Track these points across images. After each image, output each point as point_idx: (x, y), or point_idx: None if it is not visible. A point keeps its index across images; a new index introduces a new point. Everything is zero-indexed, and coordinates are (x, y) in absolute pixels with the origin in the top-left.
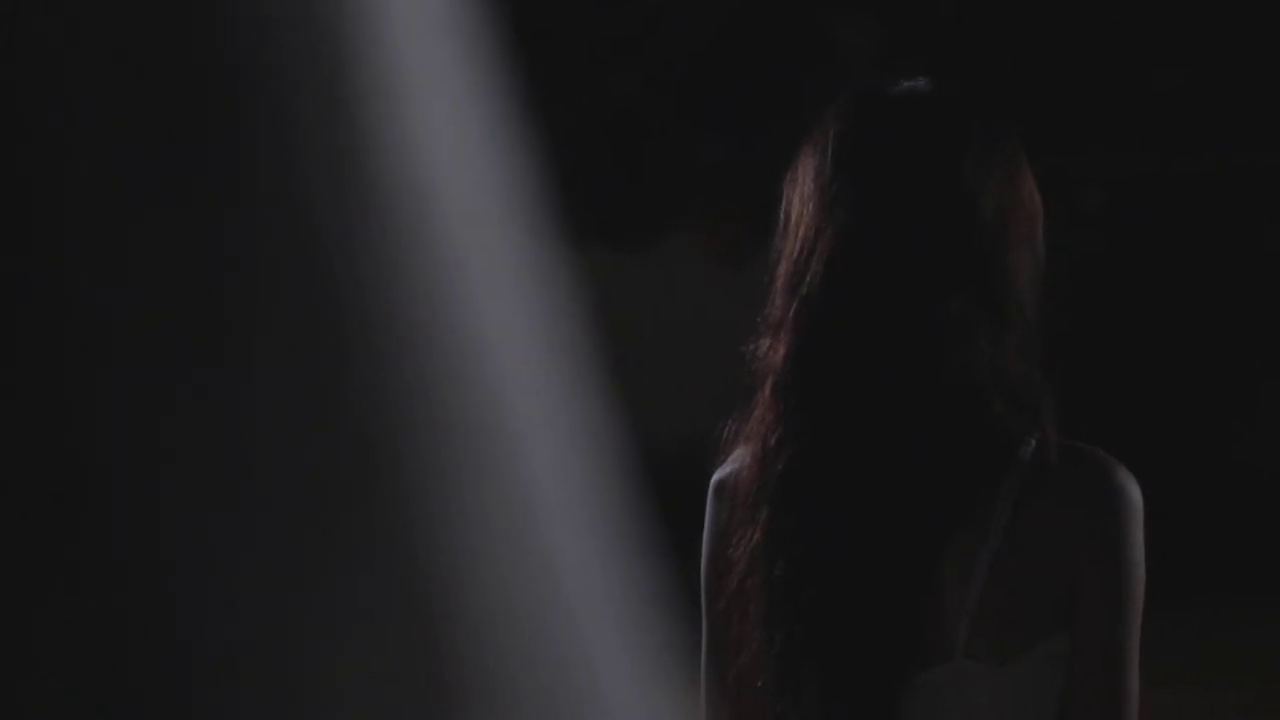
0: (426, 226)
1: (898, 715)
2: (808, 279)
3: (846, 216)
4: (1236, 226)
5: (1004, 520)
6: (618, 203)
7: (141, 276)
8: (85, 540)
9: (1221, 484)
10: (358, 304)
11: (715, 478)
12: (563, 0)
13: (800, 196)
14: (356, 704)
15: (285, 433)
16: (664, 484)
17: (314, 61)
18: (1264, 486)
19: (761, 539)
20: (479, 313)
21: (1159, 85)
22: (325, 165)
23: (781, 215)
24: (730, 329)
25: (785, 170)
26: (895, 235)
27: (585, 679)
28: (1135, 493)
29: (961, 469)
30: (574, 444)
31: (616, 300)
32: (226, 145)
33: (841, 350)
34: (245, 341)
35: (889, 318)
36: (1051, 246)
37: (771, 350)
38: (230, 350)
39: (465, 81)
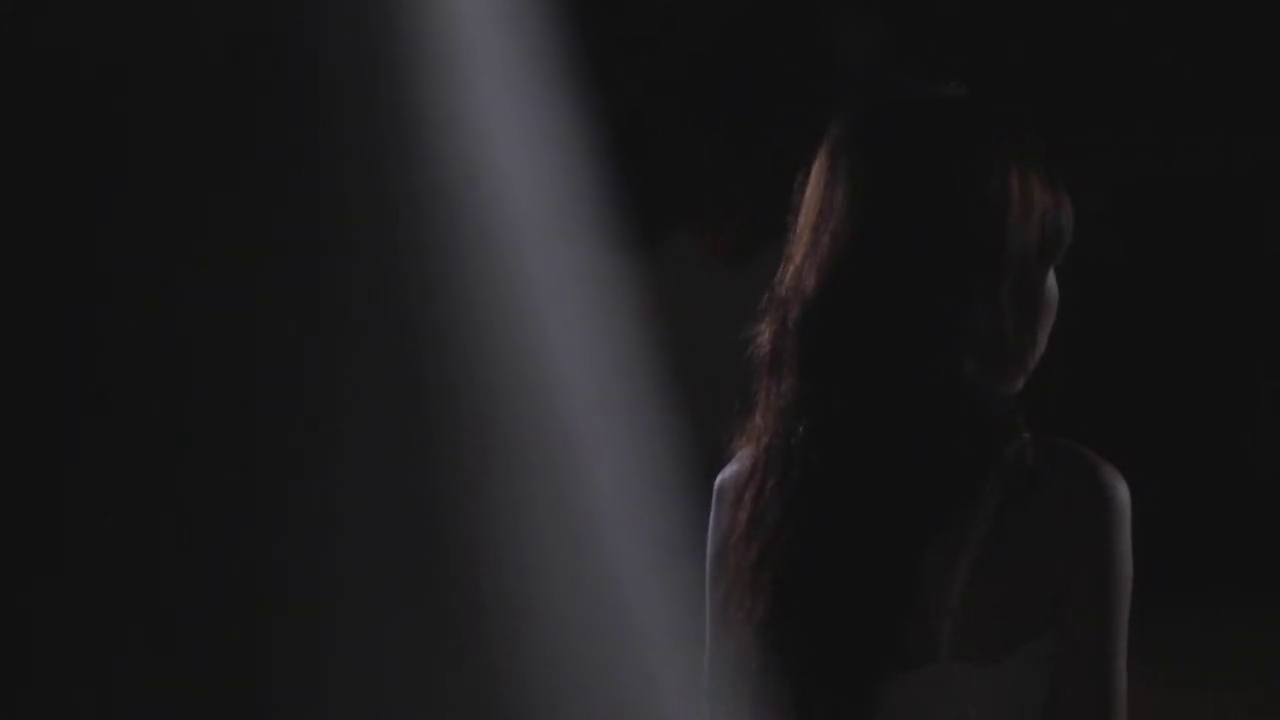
0: (493, 231)
1: (873, 712)
2: (801, 281)
3: (838, 221)
4: (1241, 226)
5: (987, 521)
6: (622, 202)
7: (217, 277)
8: (166, 546)
9: (1224, 484)
10: (427, 308)
11: (719, 479)
12: (564, 5)
13: (805, 201)
14: (418, 706)
15: (355, 436)
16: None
17: (387, 57)
18: (1266, 487)
19: (755, 538)
20: (543, 316)
21: (1164, 84)
22: (400, 165)
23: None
24: (733, 327)
25: (788, 169)
26: (881, 240)
27: (644, 684)
28: (1121, 492)
29: (944, 470)
30: (633, 446)
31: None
32: (300, 147)
33: (829, 352)
34: (323, 347)
35: (875, 321)
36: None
37: (769, 350)
38: (310, 355)
39: (528, 82)
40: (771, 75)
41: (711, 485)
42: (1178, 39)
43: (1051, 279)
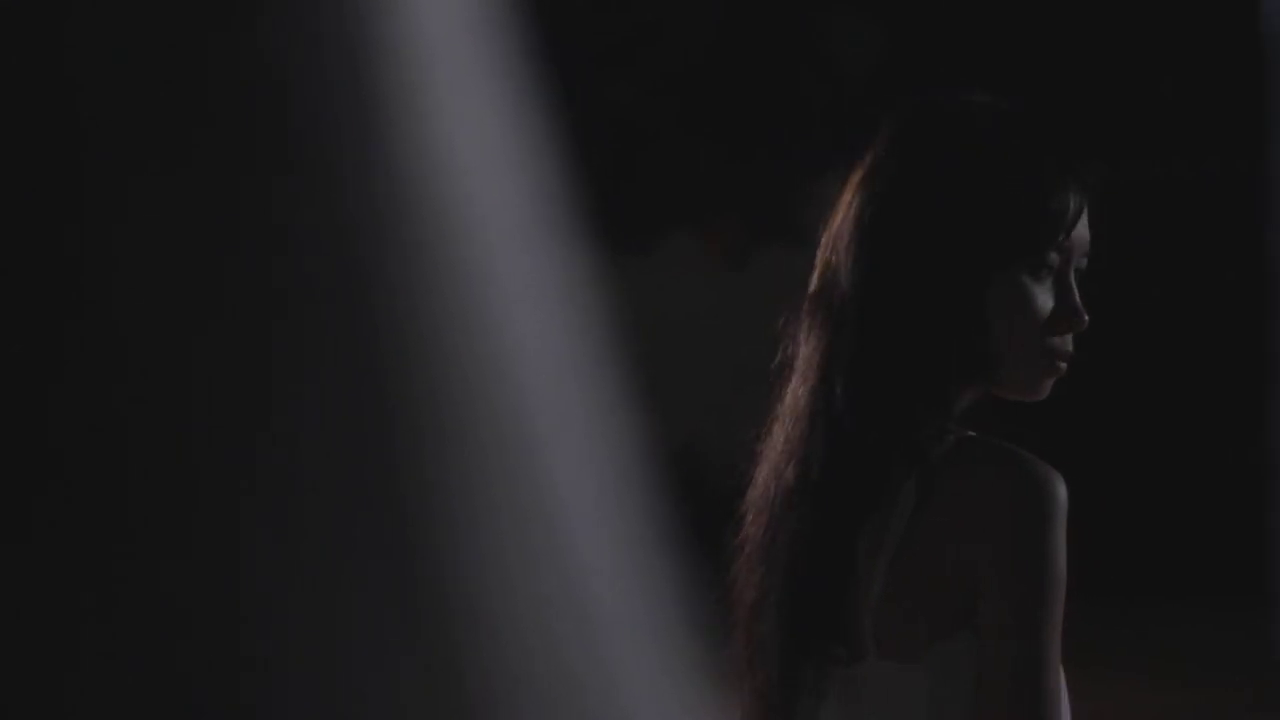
0: (456, 231)
1: (818, 708)
2: (812, 284)
3: (835, 227)
4: (1224, 231)
5: (903, 522)
6: (616, 207)
7: (180, 277)
8: (131, 541)
9: (1216, 486)
10: (390, 308)
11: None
12: (559, 8)
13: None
14: (380, 708)
15: (318, 436)
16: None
17: (349, 66)
18: (1259, 489)
19: (740, 531)
20: (506, 317)
21: (1162, 92)
22: (359, 169)
23: None
24: (730, 328)
25: (786, 172)
26: (848, 247)
27: (606, 686)
28: (1043, 490)
29: (866, 472)
30: (597, 449)
31: (616, 303)
32: (262, 150)
33: (805, 354)
34: (287, 348)
35: (833, 322)
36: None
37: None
38: (274, 356)
39: (495, 85)
40: (767, 78)
41: (692, 486)
42: (1169, 47)
43: (1024, 283)
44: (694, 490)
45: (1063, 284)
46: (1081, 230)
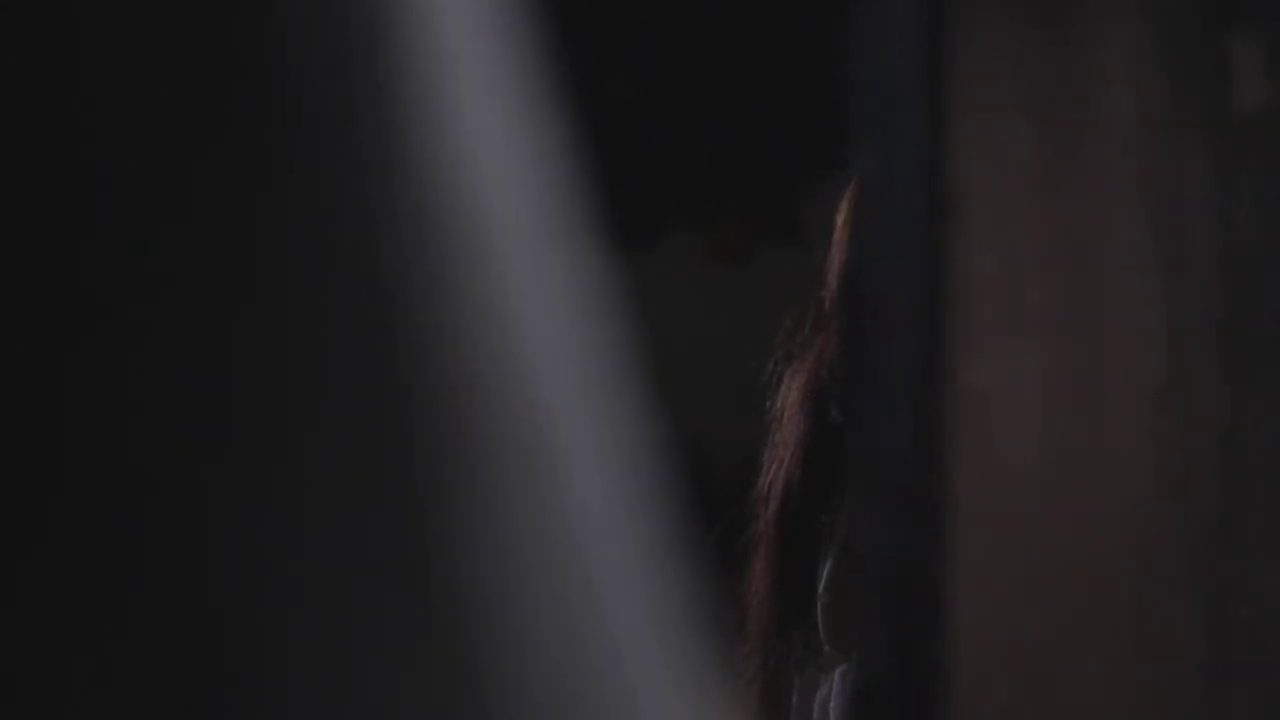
0: (472, 231)
1: (790, 695)
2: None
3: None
4: None
5: (844, 515)
6: (618, 205)
7: (195, 277)
8: (146, 536)
9: None
10: (406, 307)
11: None
12: (560, 8)
13: None
14: (395, 709)
15: (333, 437)
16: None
17: (364, 65)
18: None
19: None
20: (520, 316)
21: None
22: (373, 169)
23: None
24: (731, 327)
25: (788, 170)
26: (834, 245)
27: (620, 683)
28: None
29: (834, 469)
30: (607, 446)
31: (619, 300)
32: (271, 151)
33: (803, 352)
34: (300, 347)
35: (825, 322)
36: None
37: None
38: (288, 355)
39: (507, 85)
40: (767, 78)
41: (696, 486)
42: None
43: None
44: (700, 487)
45: None
46: None
